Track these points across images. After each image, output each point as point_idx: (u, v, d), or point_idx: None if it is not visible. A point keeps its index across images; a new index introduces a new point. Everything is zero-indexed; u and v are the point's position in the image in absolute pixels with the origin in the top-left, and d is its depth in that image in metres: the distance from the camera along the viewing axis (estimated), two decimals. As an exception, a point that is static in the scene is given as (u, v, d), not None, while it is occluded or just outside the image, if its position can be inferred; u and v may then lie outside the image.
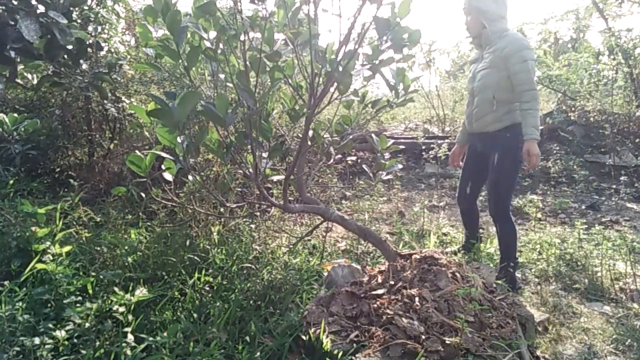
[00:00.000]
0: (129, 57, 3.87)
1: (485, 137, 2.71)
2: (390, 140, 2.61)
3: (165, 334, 1.74)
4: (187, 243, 2.57)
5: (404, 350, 1.73)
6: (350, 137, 2.53)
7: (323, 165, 3.00)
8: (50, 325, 1.67)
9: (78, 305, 1.82)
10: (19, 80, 2.72)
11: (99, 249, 2.38)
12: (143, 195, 2.87)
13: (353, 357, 1.72)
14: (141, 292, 1.90)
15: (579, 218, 3.99)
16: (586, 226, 3.45)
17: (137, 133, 3.92)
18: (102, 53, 3.74)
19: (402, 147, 6.42)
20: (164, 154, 1.99)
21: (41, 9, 2.25)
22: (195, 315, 2.00)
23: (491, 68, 2.56)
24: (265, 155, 2.27)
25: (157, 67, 2.11)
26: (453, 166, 3.21)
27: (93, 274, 2.13)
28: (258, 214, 3.26)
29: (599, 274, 2.80)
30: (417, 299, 1.95)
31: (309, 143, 2.39)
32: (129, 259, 2.30)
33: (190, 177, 2.21)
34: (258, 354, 1.76)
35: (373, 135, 2.60)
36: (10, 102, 3.95)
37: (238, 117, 1.99)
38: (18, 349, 1.53)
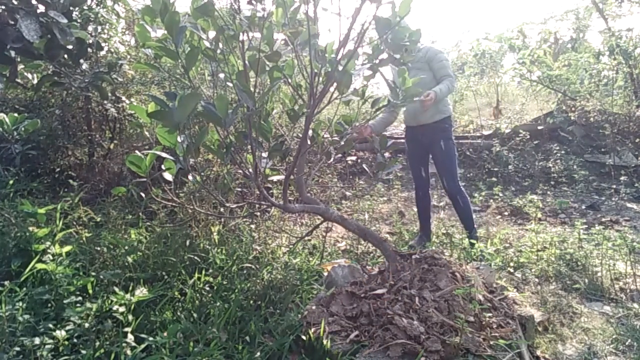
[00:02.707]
0: (129, 57, 3.87)
1: (429, 128, 3.28)
2: (390, 140, 2.62)
3: (165, 334, 1.74)
4: (187, 243, 2.57)
5: (404, 350, 1.73)
6: (350, 136, 2.53)
7: (323, 165, 3.00)
8: (50, 325, 1.67)
9: (78, 305, 1.81)
10: (19, 80, 2.72)
11: (99, 249, 2.38)
12: (143, 195, 2.87)
13: (353, 357, 1.72)
14: (141, 292, 1.90)
15: (579, 218, 3.99)
16: (586, 226, 3.44)
17: (137, 133, 3.92)
18: (102, 53, 3.75)
19: (402, 147, 6.46)
20: (164, 154, 1.99)
21: (41, 8, 2.25)
22: (195, 315, 2.00)
23: (421, 71, 3.20)
24: (265, 155, 2.27)
25: (156, 67, 2.10)
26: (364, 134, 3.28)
27: (93, 274, 2.13)
28: (258, 214, 3.26)
29: (599, 274, 2.80)
30: (417, 299, 1.95)
31: (309, 143, 2.39)
32: (129, 259, 2.30)
33: (190, 177, 2.21)
34: (258, 354, 1.76)
35: (373, 135, 2.61)
36: (10, 102, 3.95)
37: (238, 117, 1.99)
38: (18, 349, 1.53)
